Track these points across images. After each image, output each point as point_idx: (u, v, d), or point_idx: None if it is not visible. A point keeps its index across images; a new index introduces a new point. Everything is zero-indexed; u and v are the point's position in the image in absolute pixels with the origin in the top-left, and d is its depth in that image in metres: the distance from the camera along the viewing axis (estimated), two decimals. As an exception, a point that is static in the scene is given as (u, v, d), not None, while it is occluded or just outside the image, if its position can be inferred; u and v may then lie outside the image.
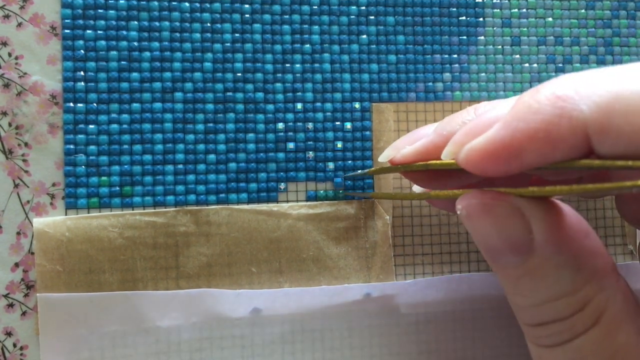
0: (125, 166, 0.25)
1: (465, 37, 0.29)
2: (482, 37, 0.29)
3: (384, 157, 0.24)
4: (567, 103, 0.16)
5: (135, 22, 0.26)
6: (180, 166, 0.26)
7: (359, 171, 0.27)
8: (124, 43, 0.26)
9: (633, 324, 0.18)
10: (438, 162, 0.20)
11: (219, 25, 0.26)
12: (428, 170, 0.22)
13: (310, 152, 0.27)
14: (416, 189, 0.26)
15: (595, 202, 0.29)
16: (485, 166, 0.17)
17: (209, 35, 0.26)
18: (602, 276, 0.18)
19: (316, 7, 0.27)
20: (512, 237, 0.18)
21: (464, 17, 0.29)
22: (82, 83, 0.25)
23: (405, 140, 0.23)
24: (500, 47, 0.29)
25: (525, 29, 0.29)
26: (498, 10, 0.29)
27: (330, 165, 0.27)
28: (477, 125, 0.19)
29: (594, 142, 0.16)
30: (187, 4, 0.26)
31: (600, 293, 0.18)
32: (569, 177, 0.22)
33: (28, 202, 0.25)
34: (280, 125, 0.27)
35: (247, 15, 0.27)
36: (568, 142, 0.16)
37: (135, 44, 0.26)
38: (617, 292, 0.18)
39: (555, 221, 0.18)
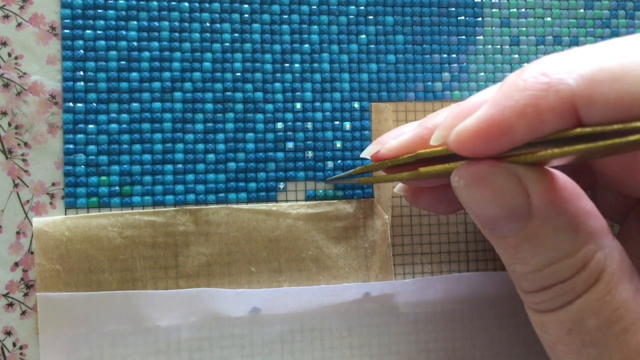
0: (125, 166, 0.26)
1: (464, 37, 0.29)
2: (481, 37, 0.29)
3: (366, 153, 0.24)
4: (552, 78, 0.17)
5: (135, 22, 0.26)
6: (180, 166, 0.26)
7: (342, 173, 0.27)
8: (124, 43, 0.26)
9: (630, 282, 0.18)
10: (427, 150, 0.20)
11: (218, 25, 0.26)
12: (415, 163, 0.22)
13: (310, 152, 0.27)
14: (398, 189, 0.26)
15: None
16: (476, 146, 0.18)
17: (208, 35, 0.26)
18: (599, 236, 0.18)
19: (315, 7, 0.27)
20: (511, 203, 0.18)
21: (462, 17, 0.29)
22: (82, 83, 0.25)
23: (389, 136, 0.24)
24: (499, 46, 0.29)
25: (524, 28, 0.29)
26: (497, 10, 0.29)
27: (330, 164, 0.27)
28: (464, 109, 0.19)
29: (581, 112, 0.16)
30: (186, 4, 0.26)
31: (599, 252, 0.18)
32: None
33: (28, 201, 0.25)
34: (280, 125, 0.27)
35: (246, 15, 0.27)
36: (556, 114, 0.16)
37: (135, 44, 0.26)
38: (614, 250, 0.19)
39: (551, 184, 0.18)
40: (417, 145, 0.22)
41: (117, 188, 0.25)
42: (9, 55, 0.25)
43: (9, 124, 0.25)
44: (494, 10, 0.29)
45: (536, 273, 0.19)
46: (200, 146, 0.26)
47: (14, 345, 0.24)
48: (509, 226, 0.19)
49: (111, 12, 0.25)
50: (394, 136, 0.23)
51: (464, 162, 0.19)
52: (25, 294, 0.25)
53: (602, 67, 0.16)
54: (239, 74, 0.27)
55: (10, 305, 0.24)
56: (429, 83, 0.28)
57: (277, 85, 0.27)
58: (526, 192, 0.18)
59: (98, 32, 0.25)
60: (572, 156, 0.16)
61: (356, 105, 0.28)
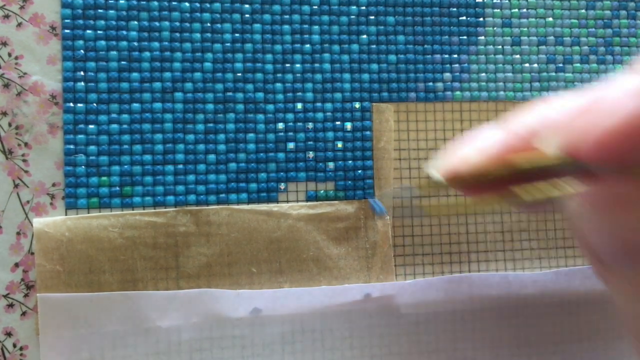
0: (125, 166, 0.25)
1: (465, 37, 0.29)
2: (483, 37, 0.29)
3: (441, 172, 0.18)
4: None
5: (135, 22, 0.26)
6: (181, 166, 0.26)
7: (397, 188, 0.25)
8: (124, 43, 0.26)
9: None
10: (528, 159, 0.16)
11: (219, 25, 0.26)
12: (510, 177, 0.17)
13: (311, 152, 0.27)
14: (434, 174, 0.19)
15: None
16: (630, 150, 0.14)
17: (209, 35, 0.26)
18: None
19: (316, 7, 0.27)
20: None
21: (464, 17, 0.29)
22: (82, 83, 0.25)
23: (465, 149, 0.18)
24: (500, 47, 0.29)
25: (525, 29, 0.29)
26: (498, 10, 0.29)
27: (331, 165, 0.27)
28: (593, 108, 0.15)
29: None
30: (187, 4, 0.26)
31: None
32: None
33: (28, 202, 0.25)
34: (281, 125, 0.27)
35: (247, 15, 0.27)
36: None
37: (135, 44, 0.26)
38: None
39: None
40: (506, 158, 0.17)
41: (117, 188, 0.25)
42: (9, 55, 0.25)
43: (9, 124, 0.25)
44: (495, 10, 0.29)
45: None
46: (201, 146, 0.26)
47: (14, 346, 0.24)
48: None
49: (112, 12, 0.25)
50: (472, 149, 0.18)
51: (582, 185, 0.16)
52: (26, 295, 0.25)
53: None
54: (239, 74, 0.27)
55: (11, 306, 0.24)
56: (430, 83, 0.28)
57: (278, 85, 0.27)
58: None
59: (98, 32, 0.25)
60: None
61: (357, 105, 0.27)
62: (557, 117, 0.17)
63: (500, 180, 0.17)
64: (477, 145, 0.18)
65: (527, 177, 0.17)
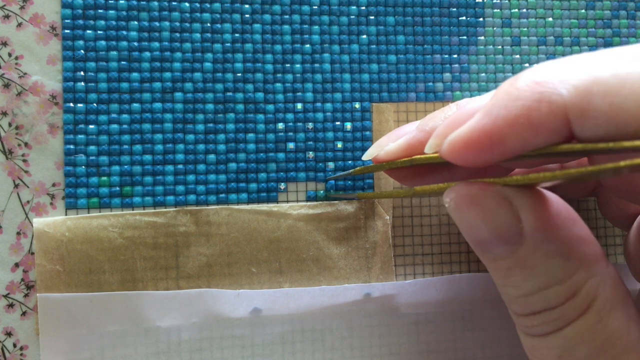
0: (125, 166, 0.25)
1: (465, 37, 0.29)
2: (482, 37, 0.29)
3: (367, 156, 0.24)
4: (546, 88, 0.16)
5: (135, 22, 0.26)
6: (180, 166, 0.26)
7: (342, 172, 0.27)
8: (124, 43, 0.26)
9: (623, 310, 0.18)
10: (422, 156, 0.20)
11: (219, 25, 0.26)
12: (412, 167, 0.22)
13: (311, 152, 0.27)
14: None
15: (595, 203, 0.29)
16: (468, 156, 0.17)
17: (209, 35, 0.26)
18: (592, 263, 0.18)
19: (316, 7, 0.27)
20: (501, 227, 0.18)
21: (464, 17, 0.29)
22: (82, 83, 0.25)
23: (388, 138, 0.23)
24: (500, 47, 0.29)
25: (525, 29, 0.29)
26: (498, 10, 0.29)
27: (331, 165, 0.27)
28: (458, 117, 0.18)
29: (574, 125, 0.16)
30: (187, 4, 0.26)
31: (590, 280, 0.18)
32: (552, 167, 0.22)
33: (28, 202, 0.25)
34: (281, 126, 0.27)
35: (247, 15, 0.27)
36: (549, 126, 0.16)
37: (135, 44, 0.26)
38: (607, 278, 0.18)
39: (543, 209, 0.18)
40: (414, 149, 0.22)
41: (117, 188, 0.25)
42: (10, 55, 0.25)
43: (10, 125, 0.25)
44: (495, 10, 0.29)
45: (527, 297, 0.19)
46: (201, 146, 0.26)
47: (15, 345, 0.24)
48: (500, 249, 0.18)
49: (112, 12, 0.25)
50: (393, 138, 0.23)
51: (456, 183, 0.19)
52: (26, 295, 0.25)
53: (597, 78, 0.15)
54: (239, 74, 0.27)
55: (11, 305, 0.24)
56: (430, 83, 0.28)
57: (278, 85, 0.27)
58: (517, 217, 0.18)
59: (98, 32, 0.25)
60: (563, 179, 0.16)
61: (357, 105, 0.27)
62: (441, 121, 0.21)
63: (409, 171, 0.23)
64: (394, 136, 0.23)
65: (425, 166, 0.21)
